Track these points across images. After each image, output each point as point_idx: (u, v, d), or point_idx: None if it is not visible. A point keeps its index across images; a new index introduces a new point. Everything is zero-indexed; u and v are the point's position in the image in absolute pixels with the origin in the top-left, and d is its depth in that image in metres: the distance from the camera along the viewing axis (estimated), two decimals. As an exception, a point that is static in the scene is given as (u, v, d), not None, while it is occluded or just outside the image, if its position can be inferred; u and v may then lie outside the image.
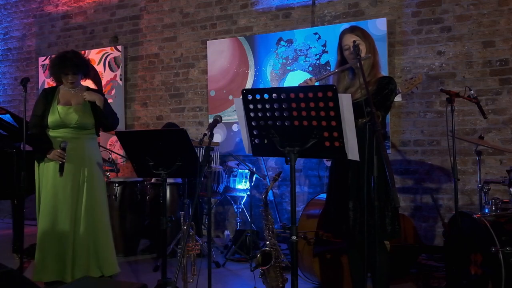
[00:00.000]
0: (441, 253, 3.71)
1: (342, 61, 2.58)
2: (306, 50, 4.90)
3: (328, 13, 4.87)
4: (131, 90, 6.01)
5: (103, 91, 5.73)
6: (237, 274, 3.77)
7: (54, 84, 3.39)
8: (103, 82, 6.07)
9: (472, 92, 3.14)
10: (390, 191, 2.04)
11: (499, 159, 4.13)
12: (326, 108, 1.92)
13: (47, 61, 6.40)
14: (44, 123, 3.22)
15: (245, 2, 5.30)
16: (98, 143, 3.52)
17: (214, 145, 4.32)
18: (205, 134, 2.49)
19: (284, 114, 2.00)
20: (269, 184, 4.79)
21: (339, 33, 2.60)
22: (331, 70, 2.84)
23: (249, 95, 2.02)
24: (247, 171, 4.29)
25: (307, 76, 4.76)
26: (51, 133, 3.23)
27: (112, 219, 3.50)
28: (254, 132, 2.11)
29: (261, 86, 5.07)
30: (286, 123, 2.01)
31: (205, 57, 5.47)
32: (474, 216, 2.76)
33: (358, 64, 2.31)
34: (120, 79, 5.98)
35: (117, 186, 4.39)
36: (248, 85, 5.17)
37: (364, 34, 2.53)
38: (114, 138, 5.70)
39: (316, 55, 4.85)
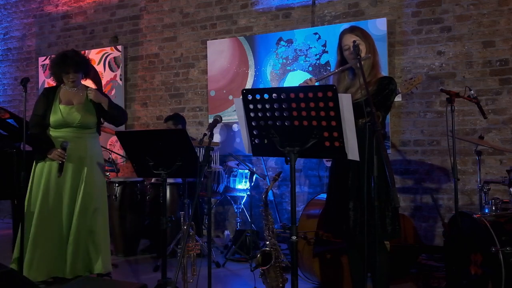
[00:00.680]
0: (441, 253, 3.71)
1: (342, 61, 2.58)
2: (306, 50, 4.89)
3: (328, 13, 4.87)
4: (131, 90, 6.01)
5: (103, 91, 5.72)
6: (237, 274, 3.77)
7: (55, 84, 3.38)
8: (103, 82, 6.07)
9: (472, 92, 3.14)
10: (390, 191, 2.04)
11: (499, 159, 4.13)
12: (326, 108, 1.92)
13: (47, 61, 6.40)
14: (45, 123, 3.21)
15: (245, 2, 5.30)
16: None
17: (214, 145, 4.32)
18: (205, 134, 2.49)
19: (284, 114, 1.99)
20: (269, 184, 4.80)
21: (339, 33, 2.60)
22: (331, 70, 2.83)
23: (249, 95, 2.02)
24: (247, 171, 4.29)
25: (307, 76, 4.76)
26: (53, 132, 3.23)
27: (112, 219, 3.50)
28: (254, 132, 2.11)
29: (261, 86, 5.07)
30: (286, 123, 2.01)
31: (205, 57, 5.47)
32: (474, 216, 2.76)
33: (358, 64, 2.31)
34: (120, 79, 5.98)
35: (117, 186, 4.39)
36: (248, 85, 5.17)
37: (364, 34, 2.53)
38: (114, 138, 5.70)
39: (316, 55, 4.85)
